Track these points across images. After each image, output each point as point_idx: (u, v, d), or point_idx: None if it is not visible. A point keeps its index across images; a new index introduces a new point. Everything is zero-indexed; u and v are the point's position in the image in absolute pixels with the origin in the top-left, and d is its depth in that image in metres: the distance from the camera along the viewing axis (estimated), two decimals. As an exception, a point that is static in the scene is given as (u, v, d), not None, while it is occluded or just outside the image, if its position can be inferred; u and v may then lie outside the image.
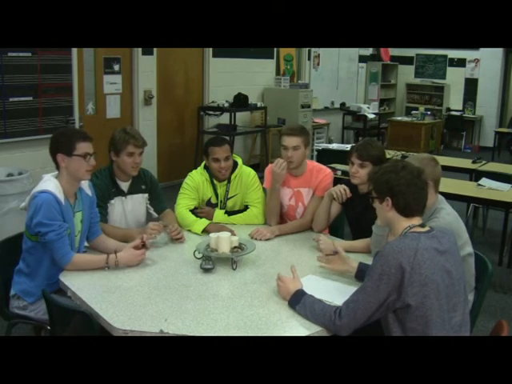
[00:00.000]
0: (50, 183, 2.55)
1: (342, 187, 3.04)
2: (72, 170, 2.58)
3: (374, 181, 2.20)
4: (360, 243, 2.88)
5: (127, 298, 2.28)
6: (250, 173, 3.40)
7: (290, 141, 3.18)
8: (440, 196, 2.67)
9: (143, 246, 2.70)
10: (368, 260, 2.57)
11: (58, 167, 2.61)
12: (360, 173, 2.99)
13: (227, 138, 4.43)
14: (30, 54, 5.37)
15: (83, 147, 2.58)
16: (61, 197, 2.53)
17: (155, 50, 6.94)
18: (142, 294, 2.33)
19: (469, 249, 2.59)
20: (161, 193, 3.31)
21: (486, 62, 10.97)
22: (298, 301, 2.19)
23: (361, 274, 2.40)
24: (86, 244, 2.88)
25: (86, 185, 2.76)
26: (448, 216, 2.56)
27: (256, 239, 3.03)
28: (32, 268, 2.60)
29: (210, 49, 7.68)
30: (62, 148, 2.57)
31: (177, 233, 2.99)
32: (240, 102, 7.53)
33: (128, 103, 6.82)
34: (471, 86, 11.27)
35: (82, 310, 2.19)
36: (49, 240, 2.47)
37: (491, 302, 4.10)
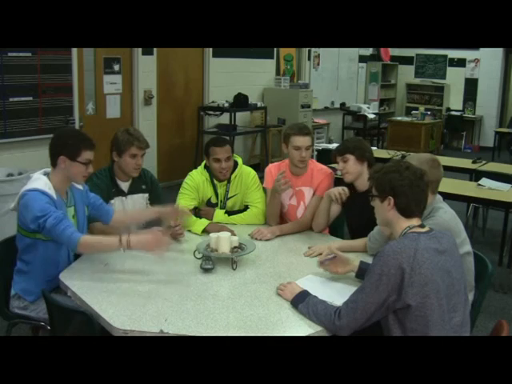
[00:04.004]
0: (39, 182, 2.54)
1: (340, 189, 3.04)
2: (70, 173, 2.59)
3: (375, 179, 2.17)
4: (358, 243, 2.88)
5: (127, 298, 2.28)
6: (250, 173, 3.40)
7: (304, 141, 3.18)
8: (438, 195, 2.67)
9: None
10: (366, 258, 2.57)
11: (53, 164, 2.59)
12: (346, 168, 3.03)
13: (227, 138, 4.43)
14: (30, 54, 5.37)
15: (87, 155, 2.59)
16: (51, 193, 2.53)
17: (155, 49, 6.94)
18: (142, 294, 2.33)
19: (467, 247, 2.59)
20: (161, 193, 3.31)
21: (486, 62, 10.97)
22: (302, 300, 2.19)
23: (361, 272, 2.40)
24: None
25: None
26: (445, 214, 2.56)
27: (256, 239, 3.03)
28: (29, 266, 2.60)
29: (210, 49, 7.68)
30: (67, 151, 2.55)
31: (179, 228, 2.98)
32: (240, 101, 7.53)
33: (128, 103, 6.82)
34: (471, 86, 11.27)
35: (82, 310, 2.19)
36: (50, 226, 2.42)
37: (491, 302, 4.10)
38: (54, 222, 2.42)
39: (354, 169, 3.00)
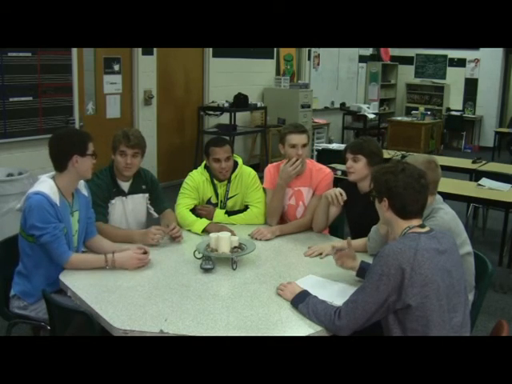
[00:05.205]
0: (45, 184, 2.54)
1: (337, 191, 3.02)
2: (82, 170, 2.61)
3: (374, 180, 2.20)
4: (359, 242, 2.88)
5: (127, 298, 2.28)
6: (251, 173, 3.40)
7: (300, 138, 3.19)
8: (438, 196, 2.67)
9: (144, 253, 2.65)
10: (367, 259, 2.57)
11: (61, 168, 2.59)
12: (354, 167, 2.99)
13: (227, 138, 4.43)
14: (30, 54, 5.37)
15: (92, 146, 2.65)
16: (55, 198, 2.52)
17: (155, 49, 6.94)
18: (142, 294, 2.33)
19: (468, 248, 2.59)
20: (161, 193, 3.31)
21: (486, 62, 10.97)
22: (302, 300, 2.19)
23: (361, 271, 2.40)
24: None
25: (81, 185, 2.75)
26: (446, 215, 2.56)
27: (256, 239, 3.03)
28: (30, 269, 2.60)
29: (210, 49, 7.68)
30: (77, 149, 2.58)
31: (176, 231, 2.99)
32: (240, 101, 7.53)
33: (128, 103, 6.82)
34: (471, 86, 11.27)
35: (82, 310, 2.19)
36: (44, 242, 2.47)
37: (491, 302, 4.10)
38: (49, 240, 2.47)
39: (361, 171, 2.97)
